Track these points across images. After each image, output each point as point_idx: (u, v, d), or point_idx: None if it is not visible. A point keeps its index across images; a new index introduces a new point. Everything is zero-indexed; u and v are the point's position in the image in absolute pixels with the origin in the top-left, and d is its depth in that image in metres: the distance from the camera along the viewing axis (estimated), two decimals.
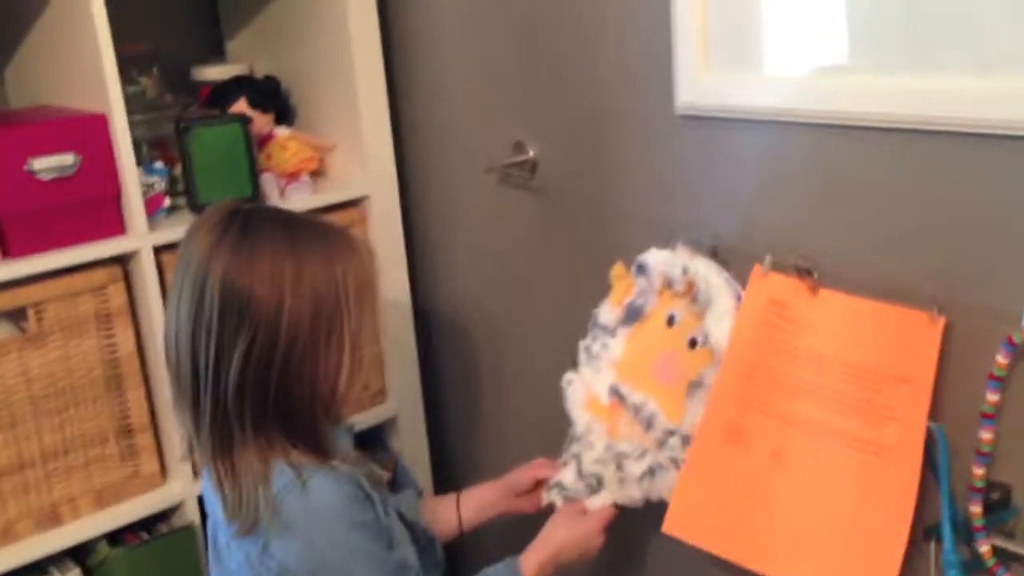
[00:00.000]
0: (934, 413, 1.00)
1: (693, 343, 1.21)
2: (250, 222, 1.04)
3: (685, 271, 1.19)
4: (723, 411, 1.14)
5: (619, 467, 1.26)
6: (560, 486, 1.30)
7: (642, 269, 1.24)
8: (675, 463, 1.21)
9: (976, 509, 0.99)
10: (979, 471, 0.98)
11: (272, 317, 1.00)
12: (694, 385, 1.19)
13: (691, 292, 1.20)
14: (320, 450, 1.06)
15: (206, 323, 1.00)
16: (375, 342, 1.61)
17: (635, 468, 1.24)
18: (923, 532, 1.05)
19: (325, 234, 1.07)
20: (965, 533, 1.01)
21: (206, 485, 1.13)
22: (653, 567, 1.45)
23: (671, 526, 1.16)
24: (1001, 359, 0.94)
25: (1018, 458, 0.98)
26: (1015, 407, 0.96)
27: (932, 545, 1.04)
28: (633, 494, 1.26)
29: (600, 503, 1.27)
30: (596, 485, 1.27)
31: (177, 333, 1.03)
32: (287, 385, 1.02)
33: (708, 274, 1.17)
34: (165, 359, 1.07)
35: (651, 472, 1.23)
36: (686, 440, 1.19)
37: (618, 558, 1.45)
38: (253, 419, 1.02)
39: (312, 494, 1.02)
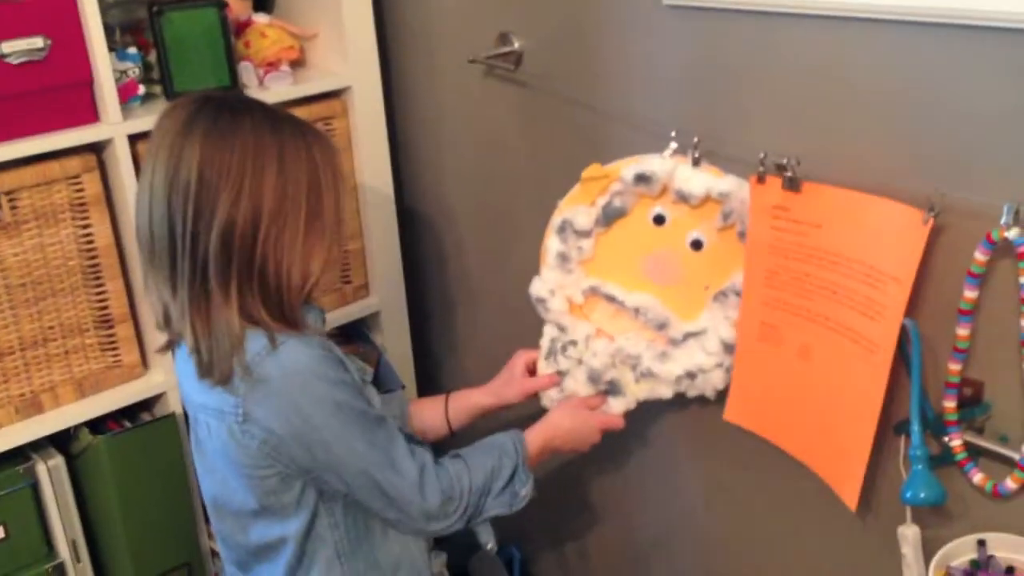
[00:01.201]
0: (911, 310, 1.00)
1: (697, 244, 1.20)
2: (227, 101, 1.05)
3: (717, 193, 1.15)
4: (754, 312, 1.16)
5: (640, 368, 1.24)
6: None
7: (643, 179, 1.19)
8: (721, 366, 1.21)
9: (950, 404, 1.00)
10: (954, 367, 0.99)
11: (256, 182, 1.01)
12: (721, 294, 1.19)
13: (710, 207, 1.17)
14: (293, 321, 1.07)
15: (183, 186, 1.01)
16: (352, 237, 1.60)
17: (667, 373, 1.23)
18: (894, 428, 1.07)
19: (299, 121, 1.09)
20: (935, 428, 1.03)
21: (180, 366, 1.13)
22: (639, 458, 1.48)
23: (731, 415, 1.23)
24: (980, 256, 0.93)
25: (991, 355, 0.98)
26: (991, 305, 0.97)
27: (902, 440, 1.06)
28: (663, 392, 1.25)
29: (623, 406, 1.27)
30: (612, 389, 1.27)
31: (151, 200, 1.03)
32: (267, 252, 1.03)
33: (746, 198, 1.13)
34: (136, 233, 1.07)
35: (690, 375, 1.23)
36: (725, 347, 1.20)
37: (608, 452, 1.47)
38: (233, 280, 1.03)
39: (286, 356, 1.03)
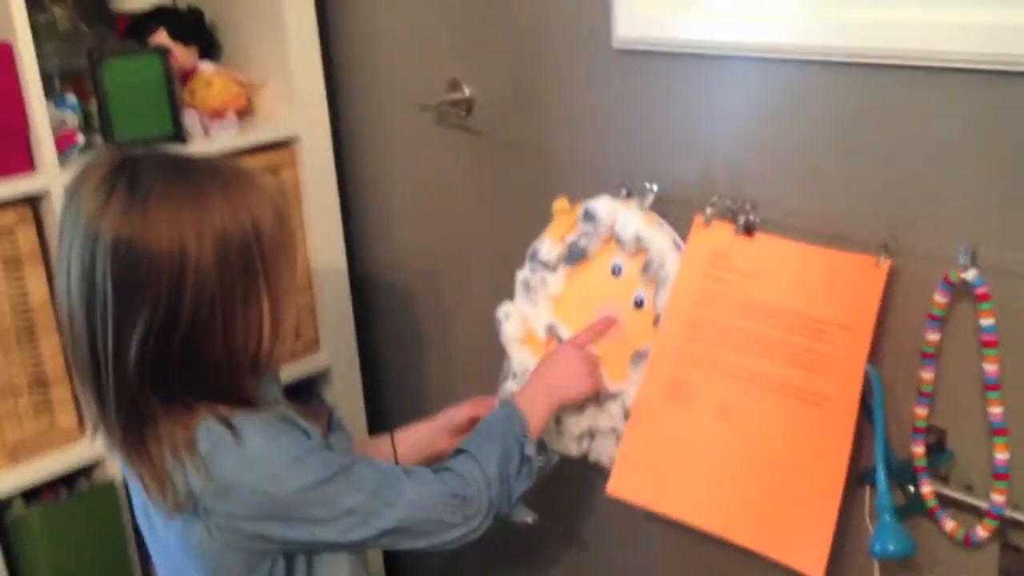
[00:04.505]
0: (872, 357, 0.98)
1: (639, 303, 1.18)
2: (140, 173, 0.92)
3: (639, 239, 1.14)
4: (666, 368, 1.11)
5: (557, 419, 1.22)
6: None
7: (590, 216, 1.18)
8: (615, 432, 1.18)
9: (918, 450, 0.97)
10: (920, 411, 0.96)
11: (175, 277, 0.90)
12: (639, 355, 1.15)
13: (642, 256, 1.16)
14: (245, 403, 0.99)
15: (100, 301, 0.91)
16: (301, 290, 1.56)
17: (574, 425, 1.21)
18: (858, 478, 1.04)
19: (227, 175, 0.96)
20: (901, 476, 1.00)
21: (124, 467, 1.06)
22: (591, 520, 1.43)
23: (615, 488, 1.14)
24: (939, 298, 0.91)
25: (953, 401, 0.96)
26: (951, 349, 0.94)
27: (867, 490, 1.03)
28: (571, 449, 1.23)
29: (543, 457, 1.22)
30: None
31: (71, 312, 0.94)
32: (197, 350, 0.93)
33: (664, 250, 1.12)
34: (59, 328, 0.99)
35: (591, 434, 1.21)
36: (627, 414, 1.15)
37: (554, 512, 1.43)
38: (163, 393, 0.94)
39: (245, 443, 0.95)
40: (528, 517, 1.20)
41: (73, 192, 0.94)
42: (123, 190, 0.91)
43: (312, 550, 1.02)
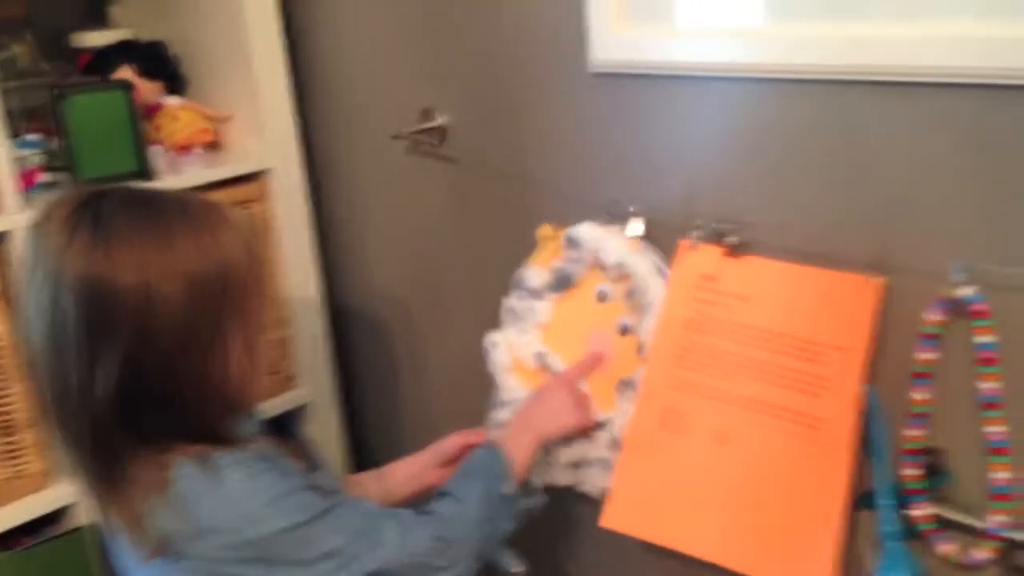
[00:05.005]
0: (867, 378, 0.96)
1: (624, 329, 1.16)
2: (104, 210, 0.90)
3: (621, 264, 1.13)
4: (657, 396, 1.09)
5: (546, 449, 1.20)
6: None
7: (573, 243, 1.17)
8: (602, 463, 1.16)
9: (913, 472, 0.95)
10: (914, 433, 0.95)
11: (142, 315, 0.88)
12: (625, 384, 1.13)
13: (625, 282, 1.14)
14: (222, 442, 0.96)
15: (66, 342, 0.88)
16: (277, 325, 1.52)
17: (562, 455, 1.20)
18: (855, 502, 1.01)
19: (195, 210, 0.93)
20: (897, 499, 0.98)
21: (98, 512, 1.02)
22: (586, 550, 1.40)
23: (610, 520, 1.11)
24: (932, 316, 0.90)
25: (952, 420, 0.94)
26: (946, 368, 0.93)
27: (862, 514, 1.00)
28: (559, 479, 1.21)
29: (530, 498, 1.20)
30: None
31: (36, 353, 0.91)
32: (168, 389, 0.91)
33: (648, 276, 1.11)
34: (25, 373, 0.95)
35: (577, 465, 1.19)
36: (615, 443, 1.14)
37: (550, 541, 1.40)
38: (135, 434, 0.91)
39: (223, 482, 0.92)
40: (518, 568, 1.17)
41: (36, 230, 0.91)
42: (87, 228, 0.88)
43: None
